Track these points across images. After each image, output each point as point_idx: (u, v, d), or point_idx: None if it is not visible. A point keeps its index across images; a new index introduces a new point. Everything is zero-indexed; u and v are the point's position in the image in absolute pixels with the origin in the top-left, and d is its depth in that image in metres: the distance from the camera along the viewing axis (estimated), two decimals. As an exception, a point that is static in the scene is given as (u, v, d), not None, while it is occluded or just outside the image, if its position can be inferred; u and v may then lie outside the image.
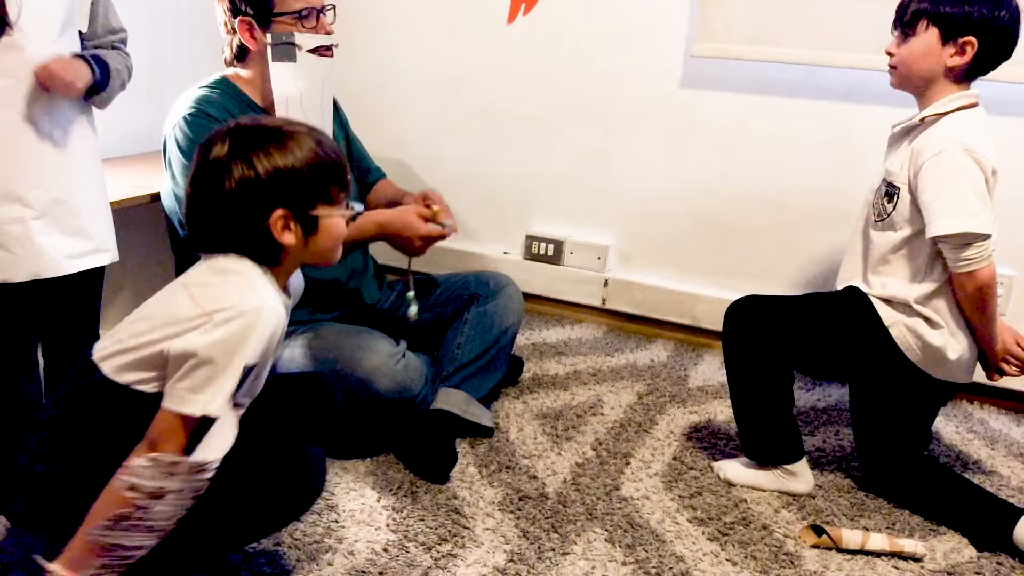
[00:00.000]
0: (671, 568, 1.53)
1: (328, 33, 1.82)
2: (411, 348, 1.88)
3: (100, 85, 1.50)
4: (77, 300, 1.62)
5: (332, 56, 1.83)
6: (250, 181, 1.15)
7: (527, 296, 2.24)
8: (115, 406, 1.18)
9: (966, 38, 1.60)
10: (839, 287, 1.81)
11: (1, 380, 1.54)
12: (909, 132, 1.71)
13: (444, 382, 1.92)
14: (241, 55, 1.82)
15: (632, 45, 2.55)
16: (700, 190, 2.57)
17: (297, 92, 1.78)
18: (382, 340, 1.81)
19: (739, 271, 2.57)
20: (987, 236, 1.58)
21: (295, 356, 1.78)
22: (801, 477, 1.79)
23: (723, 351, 1.79)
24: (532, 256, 2.77)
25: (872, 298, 1.72)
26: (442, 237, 1.84)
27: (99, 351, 1.20)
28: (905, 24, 1.66)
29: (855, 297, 1.74)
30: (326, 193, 1.21)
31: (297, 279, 1.35)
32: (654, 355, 2.52)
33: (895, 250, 1.70)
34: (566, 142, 2.70)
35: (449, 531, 1.58)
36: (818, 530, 1.63)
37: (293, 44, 1.76)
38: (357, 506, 1.64)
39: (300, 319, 1.82)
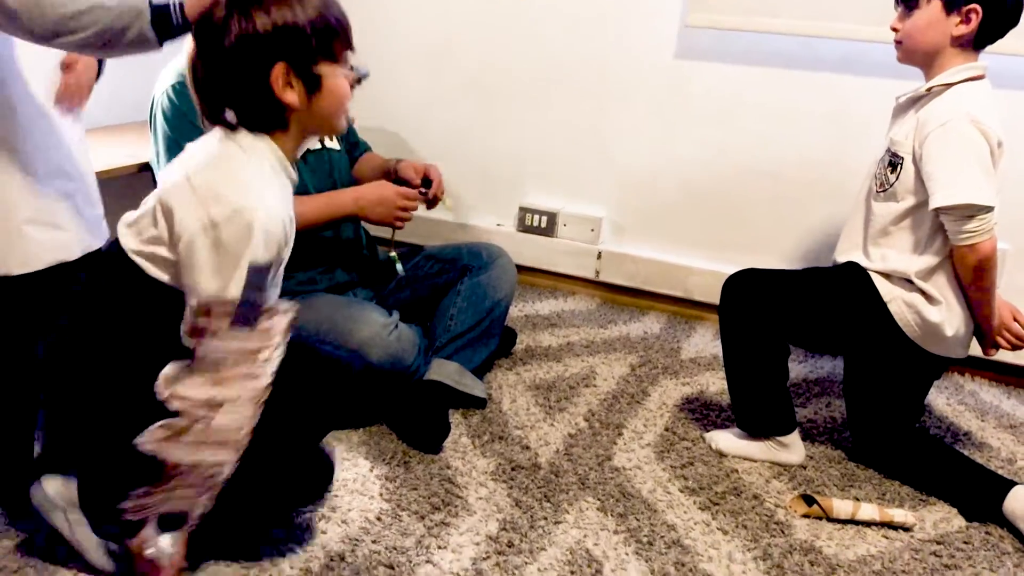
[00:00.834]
0: (663, 537, 1.54)
1: None
2: (404, 319, 1.87)
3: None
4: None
5: None
6: (249, 36, 1.14)
7: (520, 268, 2.22)
8: (131, 287, 1.20)
9: (970, 6, 1.58)
10: (837, 258, 1.80)
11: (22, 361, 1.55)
12: (915, 102, 1.69)
13: (437, 353, 1.92)
14: None
15: (627, 13, 2.52)
16: (694, 162, 2.55)
17: None
18: (375, 311, 1.80)
19: (733, 243, 2.56)
20: (990, 209, 1.56)
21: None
22: (793, 448, 1.80)
23: (719, 323, 1.79)
24: (525, 228, 2.76)
25: (871, 273, 1.70)
26: (430, 204, 1.82)
27: (121, 231, 1.24)
28: None
29: (854, 272, 1.73)
30: (329, 50, 1.19)
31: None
32: (647, 327, 2.52)
33: (896, 221, 1.68)
34: (560, 113, 2.67)
35: (442, 500, 1.59)
36: (809, 500, 1.64)
37: None
38: (351, 475, 1.64)
39: (292, 288, 1.82)
